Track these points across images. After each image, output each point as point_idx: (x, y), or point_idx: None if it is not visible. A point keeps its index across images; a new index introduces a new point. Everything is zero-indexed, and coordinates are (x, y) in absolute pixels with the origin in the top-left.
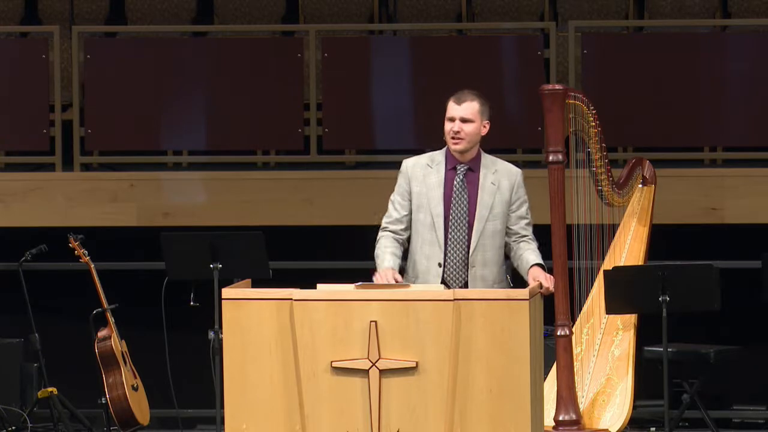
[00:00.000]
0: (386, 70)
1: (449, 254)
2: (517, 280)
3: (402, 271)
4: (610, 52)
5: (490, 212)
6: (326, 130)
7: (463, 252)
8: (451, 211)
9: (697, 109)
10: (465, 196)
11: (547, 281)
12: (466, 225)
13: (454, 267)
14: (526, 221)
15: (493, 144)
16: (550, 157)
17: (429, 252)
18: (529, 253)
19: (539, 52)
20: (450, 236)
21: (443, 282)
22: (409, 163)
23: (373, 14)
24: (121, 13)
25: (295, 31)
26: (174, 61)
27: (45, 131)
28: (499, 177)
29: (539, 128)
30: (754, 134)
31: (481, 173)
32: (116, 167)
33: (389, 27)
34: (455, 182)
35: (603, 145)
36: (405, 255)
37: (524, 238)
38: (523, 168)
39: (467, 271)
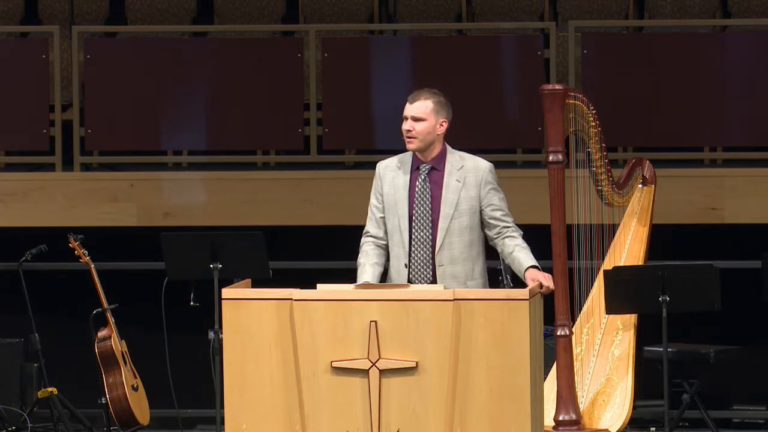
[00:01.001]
0: (386, 70)
1: (414, 254)
2: (516, 280)
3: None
4: (610, 52)
5: (456, 209)
6: (326, 130)
7: (428, 251)
8: (414, 211)
9: (697, 109)
10: (428, 195)
11: (547, 280)
12: (430, 224)
13: (420, 266)
14: (501, 212)
15: (494, 144)
16: (550, 157)
17: (397, 253)
18: (519, 253)
19: (539, 52)
20: (414, 236)
21: (409, 282)
22: (381, 166)
23: (373, 14)
24: (121, 13)
25: (295, 31)
26: (174, 61)
27: (45, 131)
28: (465, 173)
29: (539, 128)
30: (754, 134)
31: (445, 171)
32: (116, 167)
33: (389, 27)
34: (417, 182)
35: (603, 145)
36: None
37: (507, 230)
38: (523, 168)
39: (434, 270)
